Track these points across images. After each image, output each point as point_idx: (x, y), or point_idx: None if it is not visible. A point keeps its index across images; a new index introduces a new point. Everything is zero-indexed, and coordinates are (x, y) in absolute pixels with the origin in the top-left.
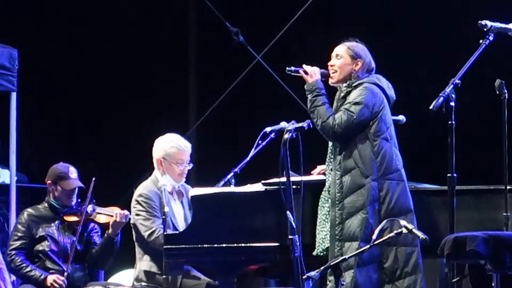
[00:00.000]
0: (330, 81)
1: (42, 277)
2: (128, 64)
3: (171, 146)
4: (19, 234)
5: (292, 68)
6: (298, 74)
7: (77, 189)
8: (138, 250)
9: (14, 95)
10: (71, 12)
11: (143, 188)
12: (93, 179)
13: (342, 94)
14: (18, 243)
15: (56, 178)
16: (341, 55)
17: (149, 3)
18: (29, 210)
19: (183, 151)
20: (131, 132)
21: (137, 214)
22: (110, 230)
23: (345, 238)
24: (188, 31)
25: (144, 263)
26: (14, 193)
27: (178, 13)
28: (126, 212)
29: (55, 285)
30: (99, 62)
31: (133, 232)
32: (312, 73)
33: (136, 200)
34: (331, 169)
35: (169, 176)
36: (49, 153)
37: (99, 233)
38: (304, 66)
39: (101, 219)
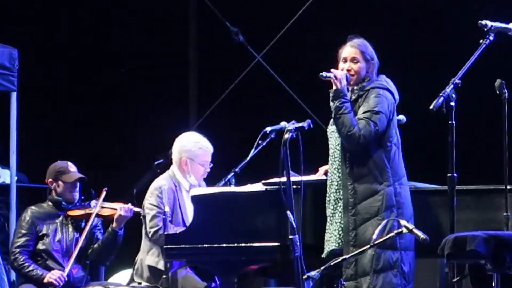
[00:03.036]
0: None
1: (43, 275)
2: (128, 64)
3: (198, 147)
4: (22, 231)
5: (324, 74)
6: (328, 79)
7: (78, 183)
8: (145, 243)
9: (14, 95)
10: (70, 12)
11: (161, 181)
12: (105, 188)
13: (354, 98)
14: (22, 240)
15: (57, 174)
16: (358, 59)
17: (149, 3)
18: (33, 207)
19: (209, 153)
20: (131, 131)
21: (148, 208)
22: (114, 224)
23: (360, 244)
24: (188, 31)
25: (149, 258)
26: (14, 193)
27: (178, 13)
28: (129, 206)
29: (52, 279)
30: (99, 62)
31: (143, 224)
32: (341, 79)
33: (152, 193)
34: (335, 169)
35: (193, 175)
36: (49, 153)
37: (102, 231)
38: (334, 70)
39: (105, 212)
